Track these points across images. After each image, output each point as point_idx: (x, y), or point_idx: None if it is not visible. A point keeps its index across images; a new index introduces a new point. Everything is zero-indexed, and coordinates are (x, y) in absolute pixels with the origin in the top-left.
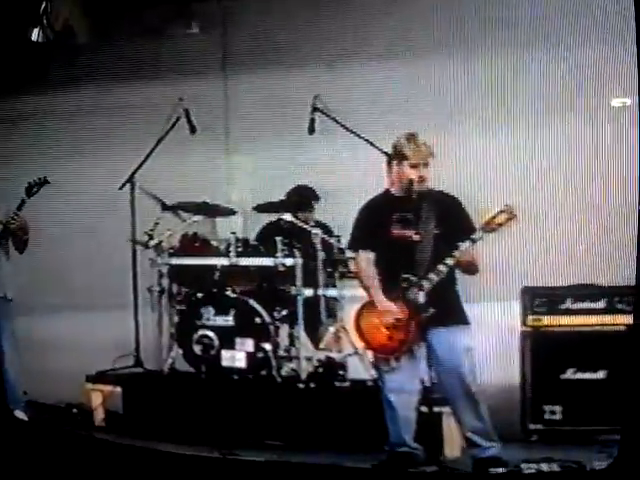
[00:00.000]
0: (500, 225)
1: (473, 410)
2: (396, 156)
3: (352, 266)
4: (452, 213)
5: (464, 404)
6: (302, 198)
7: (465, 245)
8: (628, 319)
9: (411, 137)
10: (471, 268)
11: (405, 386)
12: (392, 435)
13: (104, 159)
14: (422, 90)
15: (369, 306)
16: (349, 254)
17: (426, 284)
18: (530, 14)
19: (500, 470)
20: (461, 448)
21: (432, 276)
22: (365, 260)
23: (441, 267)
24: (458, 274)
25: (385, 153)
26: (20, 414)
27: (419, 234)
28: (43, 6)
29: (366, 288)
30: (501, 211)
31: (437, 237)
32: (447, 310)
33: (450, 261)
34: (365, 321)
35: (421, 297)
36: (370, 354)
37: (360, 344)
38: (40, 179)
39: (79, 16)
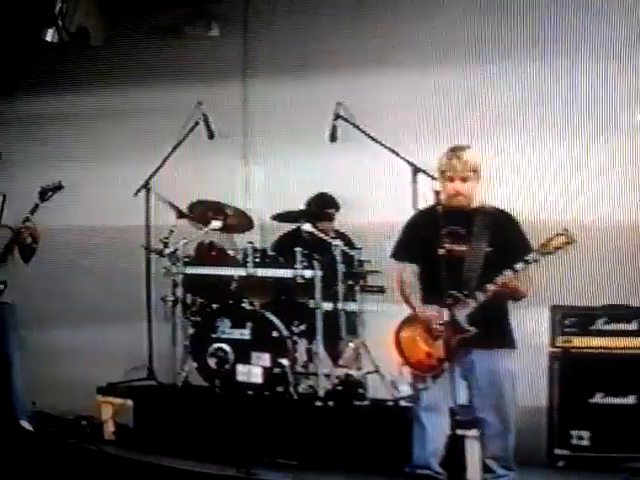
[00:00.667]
0: (557, 249)
1: (501, 437)
2: (439, 169)
3: (396, 277)
4: (507, 231)
5: (494, 430)
6: (322, 207)
7: (519, 266)
8: None
9: (453, 150)
10: (518, 293)
11: (439, 406)
12: (416, 457)
13: (119, 164)
14: (451, 100)
15: (410, 320)
16: (374, 267)
17: (472, 303)
18: (577, 23)
19: None
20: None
21: (480, 295)
22: (408, 272)
23: (491, 287)
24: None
25: (410, 163)
26: (25, 424)
27: (469, 250)
28: (58, 7)
29: (407, 299)
30: (559, 234)
31: (488, 255)
32: (492, 332)
33: (500, 280)
34: (405, 336)
35: (466, 315)
36: (407, 371)
37: (399, 360)
38: (54, 184)
39: (95, 17)
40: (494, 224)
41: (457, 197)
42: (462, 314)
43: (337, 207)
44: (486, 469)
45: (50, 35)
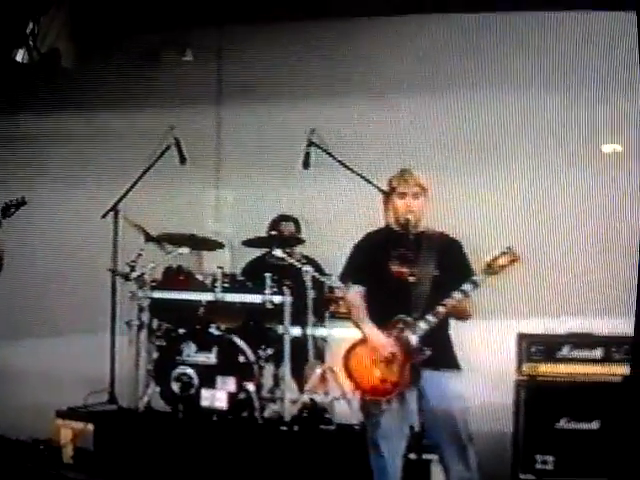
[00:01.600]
0: (502, 268)
1: (461, 458)
2: (389, 189)
3: (343, 300)
4: (453, 256)
5: (452, 451)
6: (284, 231)
7: (467, 287)
8: (624, 369)
9: (404, 171)
10: (465, 313)
11: (395, 431)
12: None
13: (88, 185)
14: (420, 127)
15: (360, 344)
16: (340, 293)
17: (423, 325)
18: (529, 57)
19: None
20: None
21: (430, 318)
22: (356, 294)
23: (440, 309)
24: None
25: (381, 190)
26: None
27: (417, 273)
28: (30, 27)
29: (357, 323)
30: (503, 253)
31: (436, 278)
32: (441, 353)
33: (449, 302)
34: (355, 361)
35: (416, 338)
36: (359, 396)
37: (349, 385)
38: (17, 199)
39: (67, 38)
40: (440, 248)
41: (407, 215)
42: (412, 337)
43: (298, 228)
44: None
45: (20, 55)
